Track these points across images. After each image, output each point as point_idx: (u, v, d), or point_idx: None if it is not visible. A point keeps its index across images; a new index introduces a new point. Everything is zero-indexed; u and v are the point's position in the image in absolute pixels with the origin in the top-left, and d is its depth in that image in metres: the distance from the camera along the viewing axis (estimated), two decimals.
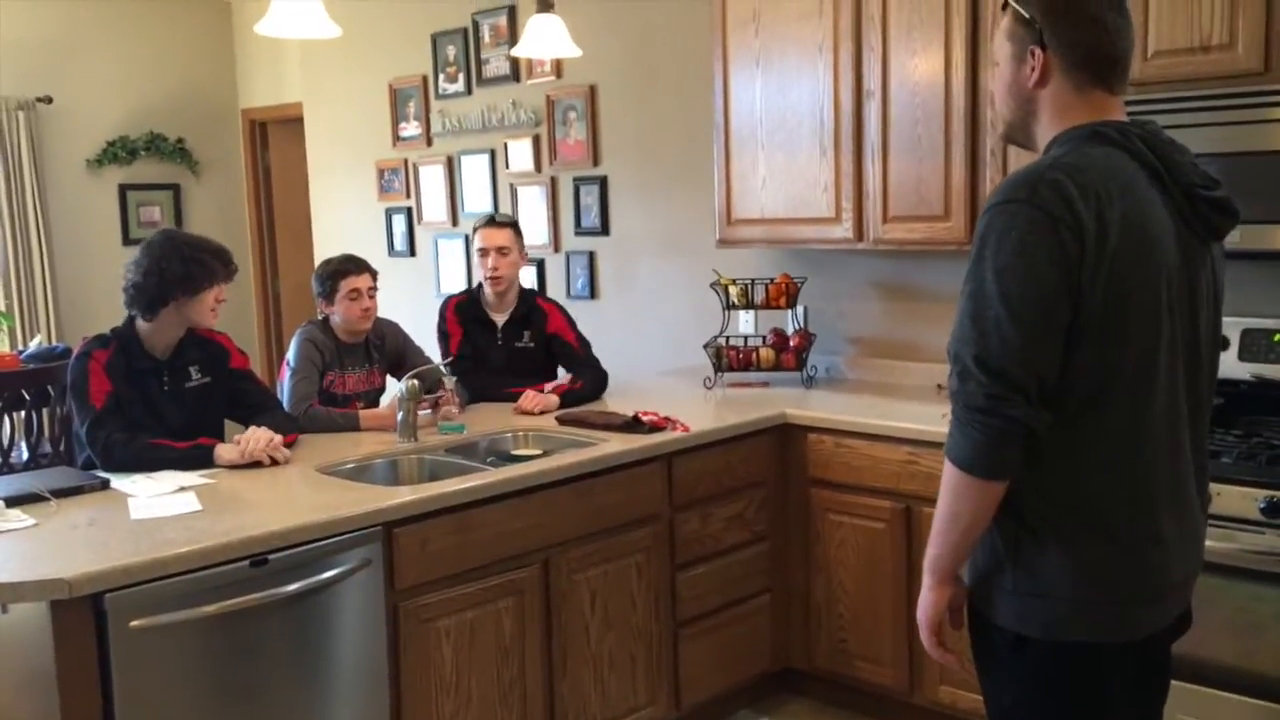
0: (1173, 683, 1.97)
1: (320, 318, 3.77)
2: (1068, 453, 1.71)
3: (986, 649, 1.85)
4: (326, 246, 6.40)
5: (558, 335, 4.06)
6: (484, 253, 3.91)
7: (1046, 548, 1.73)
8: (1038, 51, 1.80)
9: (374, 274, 3.77)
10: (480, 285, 4.04)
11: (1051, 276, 1.64)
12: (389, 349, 3.88)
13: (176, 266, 3.07)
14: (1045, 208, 1.64)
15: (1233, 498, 2.66)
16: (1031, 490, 1.73)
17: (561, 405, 3.73)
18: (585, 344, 4.09)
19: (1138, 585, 1.75)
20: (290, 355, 3.67)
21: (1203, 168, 1.83)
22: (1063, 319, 1.66)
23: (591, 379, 3.95)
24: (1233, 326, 3.11)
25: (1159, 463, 1.75)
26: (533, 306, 4.05)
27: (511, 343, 3.99)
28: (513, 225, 3.99)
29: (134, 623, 2.20)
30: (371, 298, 3.73)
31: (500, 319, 3.99)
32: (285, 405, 3.45)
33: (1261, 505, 2.64)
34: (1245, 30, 2.89)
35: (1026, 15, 1.81)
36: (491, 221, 3.97)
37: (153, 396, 3.08)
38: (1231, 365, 3.11)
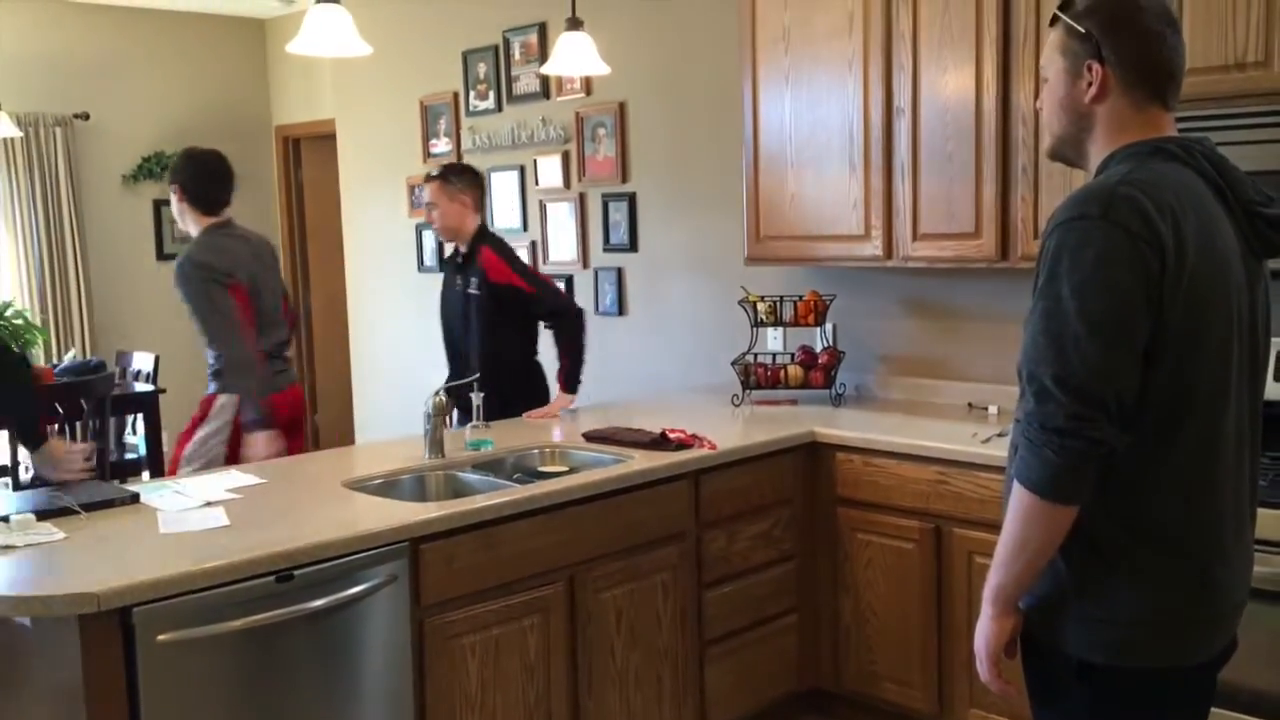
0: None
1: None
2: (1142, 474, 1.68)
3: (1045, 677, 1.81)
4: (358, 262, 6.44)
5: (510, 285, 4.00)
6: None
7: (1116, 571, 1.70)
8: (1096, 66, 1.77)
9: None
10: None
11: (1132, 293, 1.61)
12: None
13: None
14: (1122, 223, 1.61)
15: (1271, 521, 2.61)
16: (1101, 513, 1.69)
17: (569, 386, 3.93)
18: (542, 284, 4.08)
19: (1205, 608, 1.73)
20: None
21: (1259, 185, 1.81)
22: (1142, 336, 1.63)
23: (567, 334, 4.01)
24: (1272, 348, 3.06)
25: (1227, 483, 1.73)
26: (475, 251, 4.06)
27: (465, 289, 4.07)
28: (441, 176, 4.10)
29: (161, 637, 2.20)
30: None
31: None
32: None
33: None
34: None
35: (1082, 30, 1.78)
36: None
37: None
38: (1270, 387, 3.06)
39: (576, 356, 3.98)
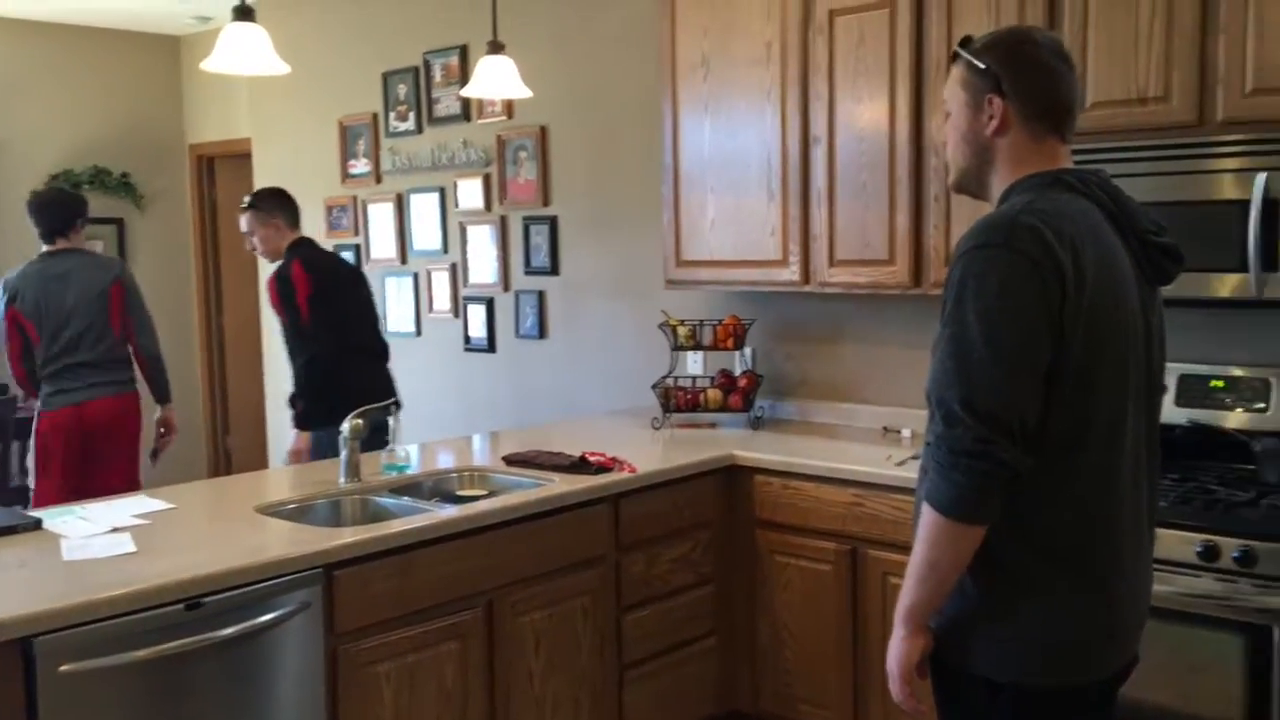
0: None
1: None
2: (1044, 496, 1.72)
3: (953, 697, 1.84)
4: None
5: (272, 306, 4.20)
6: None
7: (1020, 591, 1.74)
8: (996, 100, 1.83)
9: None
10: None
11: (1034, 319, 1.66)
12: None
13: None
14: (1024, 251, 1.66)
15: (1170, 541, 2.69)
16: (1007, 534, 1.73)
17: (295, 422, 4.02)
18: (294, 317, 4.13)
19: (1107, 626, 1.78)
20: None
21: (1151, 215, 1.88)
22: (1044, 362, 1.68)
23: (295, 371, 4.09)
24: (1170, 372, 3.16)
25: (1125, 505, 1.78)
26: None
27: None
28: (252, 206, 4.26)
29: (64, 667, 2.14)
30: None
31: None
32: None
33: (1198, 549, 2.67)
34: (1179, 84, 2.96)
35: (982, 65, 1.84)
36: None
37: None
38: (1169, 410, 3.15)
39: (296, 398, 4.07)
